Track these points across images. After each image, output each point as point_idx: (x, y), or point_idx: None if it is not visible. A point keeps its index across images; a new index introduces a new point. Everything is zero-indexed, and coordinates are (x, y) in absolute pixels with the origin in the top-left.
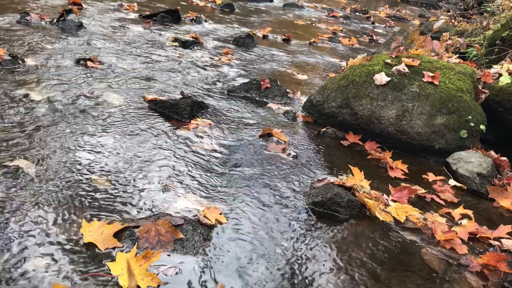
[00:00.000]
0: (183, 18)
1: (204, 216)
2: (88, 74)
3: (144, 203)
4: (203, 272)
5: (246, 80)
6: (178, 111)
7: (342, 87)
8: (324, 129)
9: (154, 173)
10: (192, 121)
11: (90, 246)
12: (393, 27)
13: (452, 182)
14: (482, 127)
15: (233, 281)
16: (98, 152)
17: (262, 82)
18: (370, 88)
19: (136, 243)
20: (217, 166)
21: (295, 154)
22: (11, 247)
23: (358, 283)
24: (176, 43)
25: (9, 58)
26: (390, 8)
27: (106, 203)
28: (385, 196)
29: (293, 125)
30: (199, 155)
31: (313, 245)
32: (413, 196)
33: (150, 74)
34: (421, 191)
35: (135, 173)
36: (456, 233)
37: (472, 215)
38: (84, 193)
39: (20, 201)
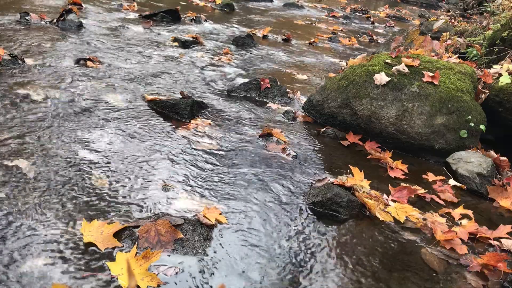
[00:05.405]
0: (183, 18)
1: (204, 216)
2: (88, 74)
3: (144, 203)
4: (203, 272)
5: (246, 80)
6: (178, 111)
7: (342, 87)
8: (324, 129)
9: (154, 173)
10: (192, 121)
11: (90, 245)
12: (393, 27)
13: (452, 182)
14: (482, 127)
15: (233, 281)
16: (98, 152)
17: (262, 82)
18: (370, 88)
19: (136, 243)
20: (217, 166)
21: (295, 154)
22: (10, 247)
23: (358, 283)
24: (176, 43)
25: (9, 58)
26: (390, 8)
27: (106, 202)
28: (385, 196)
29: (293, 125)
30: (198, 155)
31: (313, 245)
32: (413, 196)
33: (150, 74)
34: (421, 191)
35: (135, 173)
36: (456, 233)
37: (472, 215)
38: (84, 192)
39: (19, 201)
